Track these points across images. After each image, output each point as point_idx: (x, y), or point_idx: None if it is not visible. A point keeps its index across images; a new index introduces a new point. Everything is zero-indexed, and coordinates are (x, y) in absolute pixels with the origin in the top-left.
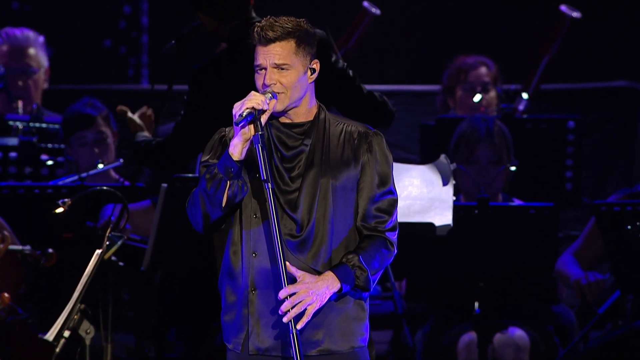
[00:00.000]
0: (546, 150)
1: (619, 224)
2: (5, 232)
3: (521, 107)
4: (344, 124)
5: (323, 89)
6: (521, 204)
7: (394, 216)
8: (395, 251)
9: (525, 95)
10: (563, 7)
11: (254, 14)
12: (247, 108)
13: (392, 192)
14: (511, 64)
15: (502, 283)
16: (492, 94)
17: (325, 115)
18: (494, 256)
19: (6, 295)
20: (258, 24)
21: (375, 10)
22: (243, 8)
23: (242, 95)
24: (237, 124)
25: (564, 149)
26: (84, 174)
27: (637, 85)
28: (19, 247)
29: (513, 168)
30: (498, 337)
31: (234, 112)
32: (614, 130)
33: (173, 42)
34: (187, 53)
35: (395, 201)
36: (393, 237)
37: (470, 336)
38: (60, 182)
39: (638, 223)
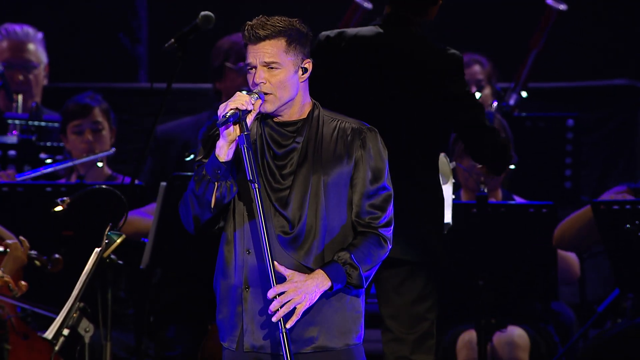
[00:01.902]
0: (545, 149)
1: (618, 223)
2: (21, 237)
3: (512, 101)
4: (338, 121)
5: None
6: (520, 202)
7: (388, 212)
8: (390, 247)
9: (524, 94)
10: (549, 1)
11: (411, 17)
12: (231, 109)
13: (386, 188)
14: (510, 63)
15: (502, 281)
16: (486, 91)
17: (320, 112)
18: (494, 255)
19: (23, 282)
20: (249, 22)
21: (367, 5)
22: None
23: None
24: (220, 125)
25: (563, 147)
26: (76, 161)
27: (636, 83)
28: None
29: (512, 166)
30: (498, 335)
31: (218, 113)
32: (613, 128)
33: (172, 40)
34: (186, 52)
35: (390, 197)
36: (387, 233)
37: (470, 335)
38: (51, 167)
39: (637, 221)
